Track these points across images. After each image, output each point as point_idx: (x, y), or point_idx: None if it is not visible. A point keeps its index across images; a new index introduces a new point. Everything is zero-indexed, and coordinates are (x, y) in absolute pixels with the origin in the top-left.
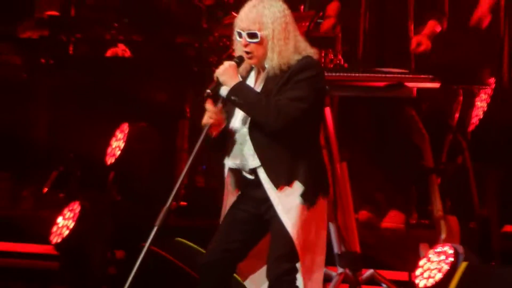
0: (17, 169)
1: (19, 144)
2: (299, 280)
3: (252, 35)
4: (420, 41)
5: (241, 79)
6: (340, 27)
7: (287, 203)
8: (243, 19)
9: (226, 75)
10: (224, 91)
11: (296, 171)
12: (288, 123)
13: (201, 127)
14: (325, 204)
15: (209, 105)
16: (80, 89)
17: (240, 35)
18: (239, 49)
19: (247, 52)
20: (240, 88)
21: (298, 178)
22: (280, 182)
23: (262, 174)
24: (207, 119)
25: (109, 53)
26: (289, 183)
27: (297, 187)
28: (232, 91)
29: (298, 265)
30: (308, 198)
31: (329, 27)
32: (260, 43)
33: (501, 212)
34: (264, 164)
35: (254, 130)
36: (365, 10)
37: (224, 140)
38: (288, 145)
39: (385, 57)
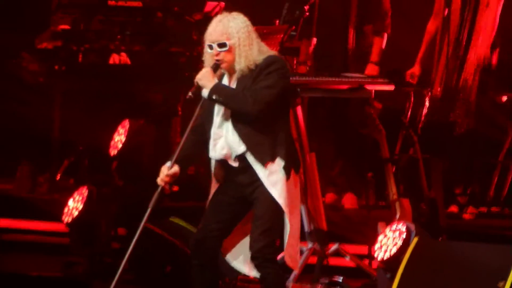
0: (35, 159)
1: (37, 137)
2: (286, 240)
3: (221, 45)
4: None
5: (217, 81)
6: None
7: (272, 178)
8: (211, 33)
9: (205, 79)
10: (205, 92)
11: (276, 150)
12: (263, 107)
13: (189, 124)
14: (297, 180)
15: (163, 169)
16: (88, 92)
17: (210, 47)
18: (208, 60)
19: (217, 60)
20: (218, 88)
21: (279, 155)
22: (266, 159)
23: (250, 158)
24: (160, 181)
25: (110, 60)
26: (273, 159)
27: (279, 162)
28: (212, 91)
29: (285, 231)
30: (288, 171)
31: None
32: (229, 50)
33: (445, 194)
34: (250, 147)
35: (237, 121)
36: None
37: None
38: (266, 129)
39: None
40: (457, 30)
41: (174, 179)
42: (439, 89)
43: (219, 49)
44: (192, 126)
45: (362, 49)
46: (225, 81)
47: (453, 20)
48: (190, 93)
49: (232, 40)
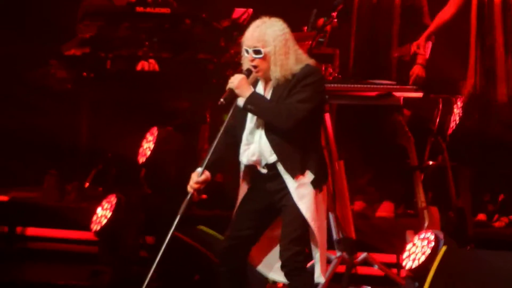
0: (63, 167)
1: (65, 145)
2: (316, 256)
3: (257, 52)
4: (417, 71)
5: (253, 90)
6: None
7: (301, 191)
8: (249, 38)
9: (241, 87)
10: (240, 101)
11: (307, 163)
12: (297, 122)
13: (218, 131)
14: (326, 191)
15: (194, 176)
16: (116, 99)
17: (247, 51)
18: (246, 63)
19: (254, 66)
20: (254, 98)
21: (309, 168)
22: (296, 172)
23: (280, 168)
24: (189, 188)
25: (138, 66)
26: (302, 172)
27: (309, 176)
28: (248, 101)
29: (312, 244)
30: (317, 185)
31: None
32: (264, 58)
33: (473, 203)
34: (281, 158)
35: (269, 131)
36: (356, 30)
37: (238, 146)
38: (298, 141)
39: (369, 71)
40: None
41: (204, 185)
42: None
43: (254, 55)
44: (225, 128)
45: (404, 58)
46: (260, 87)
47: (497, 26)
48: (222, 99)
49: (267, 47)
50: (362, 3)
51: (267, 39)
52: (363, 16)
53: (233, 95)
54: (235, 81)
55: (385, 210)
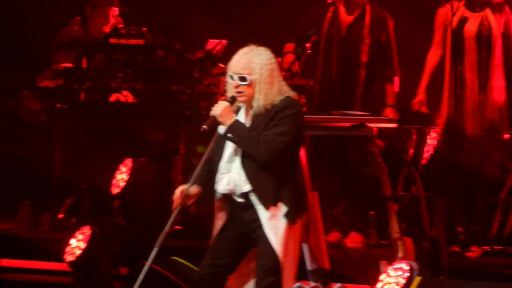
0: (36, 198)
1: (38, 176)
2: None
3: (242, 79)
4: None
5: (236, 119)
6: (298, 63)
7: (273, 222)
8: (235, 64)
9: (224, 116)
10: (221, 129)
11: (281, 194)
12: (274, 155)
13: (192, 162)
14: (300, 224)
15: (177, 191)
16: (90, 130)
17: (232, 77)
18: (230, 90)
19: (238, 92)
20: (235, 126)
21: (282, 200)
22: (269, 203)
23: (253, 197)
24: (176, 204)
25: (112, 97)
26: (275, 204)
27: (282, 208)
28: (229, 129)
29: (284, 276)
30: (290, 218)
31: (290, 62)
32: (249, 85)
33: (448, 233)
34: (255, 188)
35: (245, 161)
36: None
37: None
38: (274, 173)
39: (334, 102)
40: (474, 69)
41: (194, 199)
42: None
43: (239, 82)
44: (207, 158)
45: (372, 90)
46: (242, 114)
47: (467, 59)
48: (204, 126)
49: (253, 75)
50: (330, 33)
51: (254, 66)
52: (331, 47)
53: (216, 122)
54: (219, 108)
55: (353, 241)
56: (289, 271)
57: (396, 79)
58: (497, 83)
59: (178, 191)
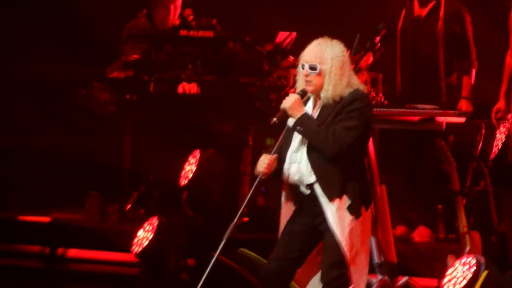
0: (105, 189)
1: (107, 167)
2: (354, 280)
3: (313, 68)
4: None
5: (305, 112)
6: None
7: (338, 215)
8: (307, 54)
9: (294, 108)
10: (291, 121)
11: (346, 187)
12: (343, 149)
13: (261, 155)
14: (369, 216)
15: (264, 157)
16: (159, 122)
17: (302, 66)
18: (300, 79)
19: (307, 81)
20: (304, 119)
21: (347, 193)
22: (333, 195)
23: (318, 189)
24: (261, 168)
25: (179, 88)
26: (340, 196)
27: (346, 201)
28: (298, 122)
29: (352, 269)
30: (355, 211)
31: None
32: (319, 74)
33: None
34: (319, 180)
35: (311, 152)
36: (400, 54)
37: (282, 170)
38: (339, 165)
39: (418, 95)
40: None
41: (273, 167)
42: None
43: (309, 71)
44: (276, 150)
45: (451, 83)
46: (309, 105)
47: None
48: (275, 119)
49: (324, 65)
50: (405, 28)
51: (326, 57)
52: (407, 41)
53: (285, 115)
54: (289, 101)
55: (421, 235)
56: (359, 264)
57: (473, 72)
58: None
59: (263, 158)
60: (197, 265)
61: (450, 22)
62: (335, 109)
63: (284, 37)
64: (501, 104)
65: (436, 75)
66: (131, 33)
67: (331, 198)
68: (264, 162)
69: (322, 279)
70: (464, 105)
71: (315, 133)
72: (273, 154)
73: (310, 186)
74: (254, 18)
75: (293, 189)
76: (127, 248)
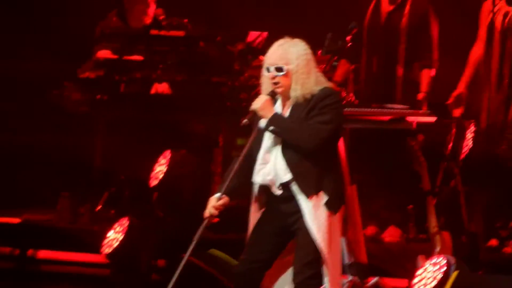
0: (76, 189)
1: (78, 168)
2: (326, 280)
3: (279, 69)
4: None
5: (276, 111)
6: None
7: (314, 212)
8: (271, 56)
9: (265, 109)
10: (263, 122)
11: (322, 183)
12: (319, 143)
13: (231, 155)
14: (341, 214)
15: (211, 201)
16: (130, 121)
17: (268, 70)
18: (266, 82)
19: (275, 83)
20: (276, 118)
21: (324, 189)
22: (310, 191)
23: (294, 187)
24: (208, 212)
25: (152, 89)
26: (317, 192)
27: (323, 197)
28: (270, 121)
29: (323, 268)
30: (332, 206)
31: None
32: (286, 75)
33: (486, 228)
34: (296, 177)
35: (286, 150)
36: (366, 52)
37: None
38: (314, 161)
39: (378, 92)
40: (499, 63)
41: (221, 210)
42: (485, 123)
43: (276, 73)
44: (246, 153)
45: (411, 79)
46: (279, 105)
47: (494, 53)
48: (245, 120)
49: (290, 65)
50: (371, 24)
51: (290, 57)
52: (373, 37)
53: (256, 116)
54: (259, 102)
55: (391, 235)
56: (333, 262)
57: (433, 70)
58: None
59: (212, 200)
60: (168, 265)
61: (414, 20)
62: (308, 106)
63: (255, 36)
64: (460, 89)
65: (396, 72)
66: (103, 32)
67: (308, 195)
68: (212, 205)
69: (295, 279)
70: (421, 98)
71: (289, 130)
72: (222, 194)
73: (284, 185)
74: (225, 18)
75: (264, 190)
76: (98, 249)
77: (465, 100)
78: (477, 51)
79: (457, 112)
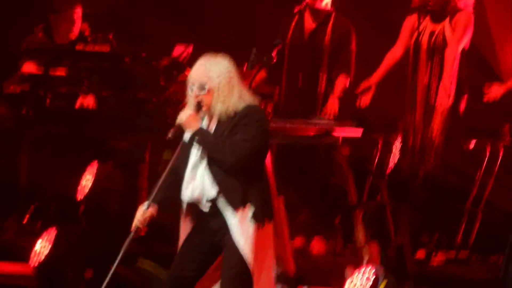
0: (0, 204)
1: (3, 183)
2: None
3: (201, 88)
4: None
5: (201, 125)
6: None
7: (241, 226)
8: (193, 75)
9: (189, 123)
10: (187, 134)
11: (249, 196)
12: (240, 159)
13: (158, 169)
14: (271, 226)
15: (139, 212)
16: (55, 136)
17: (191, 89)
18: (190, 101)
19: (198, 102)
20: (200, 133)
21: (251, 201)
22: (237, 205)
23: (220, 203)
24: (135, 225)
25: (77, 103)
26: (244, 205)
27: (250, 209)
28: (195, 134)
29: (256, 280)
30: (259, 218)
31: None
32: (208, 93)
33: (412, 241)
34: (222, 191)
35: (211, 167)
36: (287, 68)
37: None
38: (240, 175)
39: (299, 107)
40: (426, 81)
41: (149, 220)
42: (411, 139)
43: (198, 92)
44: (171, 167)
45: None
46: (205, 122)
47: (421, 71)
48: (170, 135)
49: (211, 83)
50: (294, 40)
51: (212, 75)
52: (295, 54)
53: (181, 131)
54: (184, 116)
55: (319, 246)
56: (263, 274)
57: (347, 80)
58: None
59: (139, 211)
60: (95, 277)
61: (336, 38)
62: (231, 123)
63: (181, 50)
64: (369, 83)
65: (317, 88)
66: (29, 47)
67: (235, 208)
68: (139, 217)
69: None
70: (330, 104)
71: (212, 144)
72: (150, 203)
73: (211, 201)
74: (150, 32)
75: (191, 207)
76: (24, 260)
77: (373, 94)
78: (394, 53)
79: (365, 101)
